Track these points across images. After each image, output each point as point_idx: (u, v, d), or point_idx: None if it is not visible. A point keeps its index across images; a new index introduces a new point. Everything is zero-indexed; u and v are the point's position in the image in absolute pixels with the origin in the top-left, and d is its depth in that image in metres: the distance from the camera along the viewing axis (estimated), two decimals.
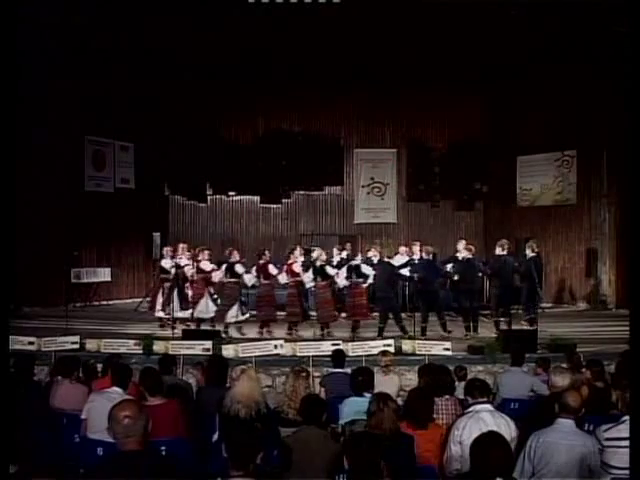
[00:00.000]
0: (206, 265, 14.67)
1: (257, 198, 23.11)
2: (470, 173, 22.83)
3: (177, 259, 15.40)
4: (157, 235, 19.65)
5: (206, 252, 14.92)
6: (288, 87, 20.71)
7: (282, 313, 14.64)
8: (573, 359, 9.47)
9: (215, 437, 6.36)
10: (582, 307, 19.56)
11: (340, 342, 11.39)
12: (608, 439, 5.44)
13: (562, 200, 20.52)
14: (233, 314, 14.37)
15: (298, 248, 15.36)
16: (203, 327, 14.15)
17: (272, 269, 14.49)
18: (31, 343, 11.38)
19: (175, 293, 15.02)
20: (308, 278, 14.38)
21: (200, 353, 10.94)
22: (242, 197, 23.16)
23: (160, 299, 15.42)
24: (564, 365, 8.96)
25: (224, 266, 14.55)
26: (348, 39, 16.98)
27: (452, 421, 6.25)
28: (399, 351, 11.48)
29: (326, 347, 11.09)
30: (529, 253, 15.33)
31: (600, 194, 19.36)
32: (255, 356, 11.00)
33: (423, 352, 11.31)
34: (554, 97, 19.37)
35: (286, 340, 12.11)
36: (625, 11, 12.71)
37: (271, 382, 11.03)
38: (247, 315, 14.76)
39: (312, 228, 22.82)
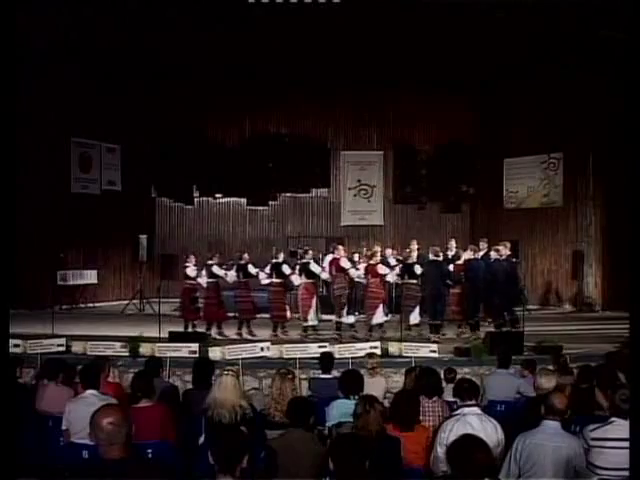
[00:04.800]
0: (382, 269, 14.30)
1: (244, 200, 23.12)
2: (457, 175, 22.89)
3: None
4: (144, 237, 19.59)
5: (378, 255, 14.51)
6: (275, 89, 20.73)
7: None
8: (559, 361, 9.49)
9: (201, 440, 6.35)
10: (568, 309, 19.62)
11: (327, 344, 11.39)
12: (594, 439, 5.47)
13: (548, 202, 20.60)
14: (416, 316, 14.31)
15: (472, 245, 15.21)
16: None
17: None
18: (17, 346, 11.32)
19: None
20: None
21: (187, 355, 10.91)
22: (229, 199, 23.17)
23: (313, 306, 14.34)
24: (550, 367, 8.97)
25: (399, 267, 14.48)
26: (336, 41, 16.96)
27: (438, 423, 6.27)
28: (385, 353, 11.47)
29: (313, 349, 11.07)
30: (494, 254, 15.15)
31: (586, 196, 19.44)
32: (242, 358, 10.97)
33: (409, 354, 11.30)
34: (541, 99, 19.49)
35: (272, 342, 12.10)
36: (614, 14, 12.86)
37: (258, 384, 11.00)
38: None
39: (299, 230, 22.83)
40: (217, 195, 23.08)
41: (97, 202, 20.39)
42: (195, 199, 23.17)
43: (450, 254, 15.06)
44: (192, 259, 14.97)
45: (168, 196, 23.04)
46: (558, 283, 20.34)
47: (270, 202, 23.24)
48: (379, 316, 14.24)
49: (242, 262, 14.72)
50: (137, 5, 15.26)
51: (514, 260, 15.05)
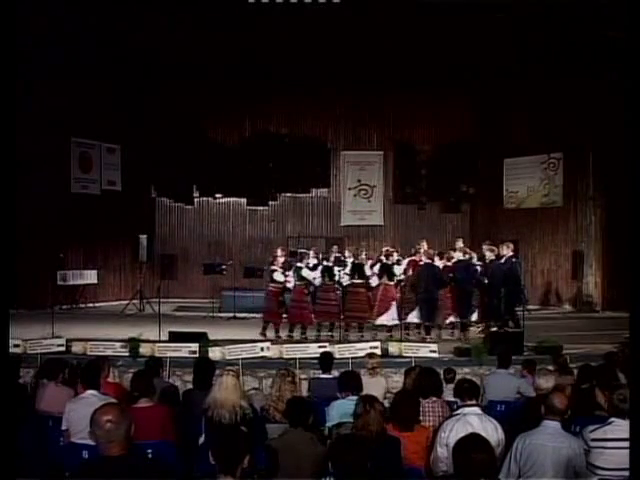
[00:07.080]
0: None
1: (244, 200, 23.13)
2: (457, 175, 22.89)
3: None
4: (144, 237, 19.58)
5: (490, 252, 14.52)
6: (275, 89, 20.74)
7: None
8: (559, 361, 9.49)
9: (202, 440, 6.35)
10: (568, 309, 19.61)
11: (327, 344, 11.38)
12: (594, 440, 5.46)
13: (548, 202, 20.59)
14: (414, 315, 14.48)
15: None
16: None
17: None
18: (17, 346, 11.30)
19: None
20: None
21: (187, 355, 10.90)
22: (229, 199, 23.17)
23: (393, 308, 14.31)
24: (550, 367, 8.97)
25: (377, 267, 14.51)
26: (335, 41, 16.98)
27: (438, 423, 6.26)
28: (386, 353, 11.46)
29: (313, 349, 11.06)
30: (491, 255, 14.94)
31: (586, 196, 19.43)
32: (242, 358, 10.96)
33: (410, 354, 11.30)
34: (540, 99, 19.46)
35: (272, 342, 12.09)
36: (614, 14, 12.86)
37: (258, 384, 11.00)
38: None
39: (299, 230, 22.82)
40: (217, 195, 23.09)
41: (97, 202, 20.39)
42: (195, 199, 23.18)
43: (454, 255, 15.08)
44: (279, 261, 14.58)
45: (168, 196, 23.06)
46: (558, 283, 20.33)
47: (270, 202, 23.24)
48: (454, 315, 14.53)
49: (328, 264, 14.47)
50: (137, 5, 15.26)
51: (514, 260, 14.97)
